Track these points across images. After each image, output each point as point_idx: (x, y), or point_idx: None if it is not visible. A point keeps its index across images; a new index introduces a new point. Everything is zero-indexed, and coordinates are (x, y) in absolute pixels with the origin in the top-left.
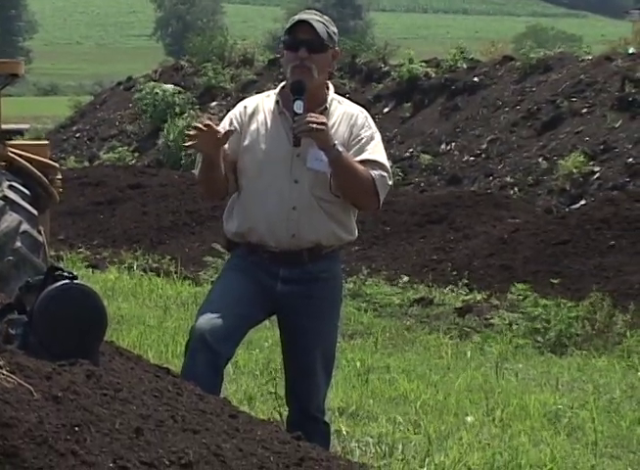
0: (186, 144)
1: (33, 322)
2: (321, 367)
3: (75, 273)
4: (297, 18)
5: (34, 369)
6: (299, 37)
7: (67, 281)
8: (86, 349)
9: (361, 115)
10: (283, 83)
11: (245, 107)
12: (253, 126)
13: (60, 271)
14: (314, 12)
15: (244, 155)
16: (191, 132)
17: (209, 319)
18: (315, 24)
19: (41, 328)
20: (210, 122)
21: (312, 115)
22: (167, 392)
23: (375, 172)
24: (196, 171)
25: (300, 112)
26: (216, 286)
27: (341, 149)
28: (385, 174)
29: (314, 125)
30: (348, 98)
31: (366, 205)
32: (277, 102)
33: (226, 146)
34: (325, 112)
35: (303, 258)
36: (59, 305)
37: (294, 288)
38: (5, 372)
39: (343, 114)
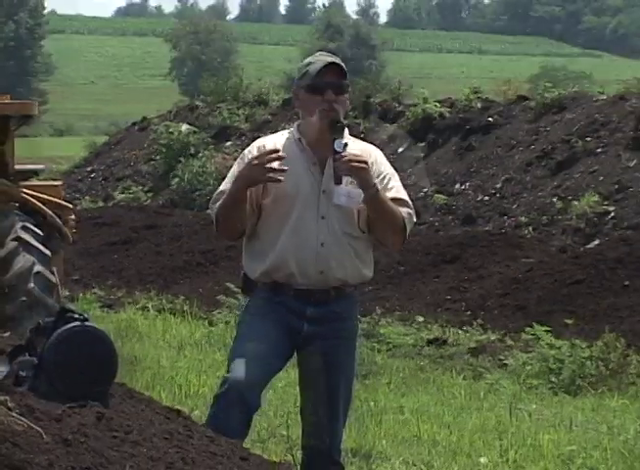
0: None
1: (44, 364)
2: (342, 408)
3: (86, 315)
4: (326, 60)
5: (44, 412)
6: (327, 80)
7: (77, 323)
8: (96, 391)
9: (378, 152)
10: (298, 122)
11: (263, 145)
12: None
13: (71, 313)
14: (329, 53)
15: (268, 194)
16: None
17: (244, 372)
18: (343, 66)
19: (51, 370)
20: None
21: (353, 154)
22: (178, 434)
23: (404, 211)
24: (213, 209)
25: (341, 150)
26: (243, 332)
27: (379, 187)
28: (411, 212)
29: (356, 164)
30: (362, 138)
31: (394, 243)
32: (299, 139)
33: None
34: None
35: (330, 296)
36: (69, 346)
37: (319, 328)
38: (15, 415)
39: (362, 152)
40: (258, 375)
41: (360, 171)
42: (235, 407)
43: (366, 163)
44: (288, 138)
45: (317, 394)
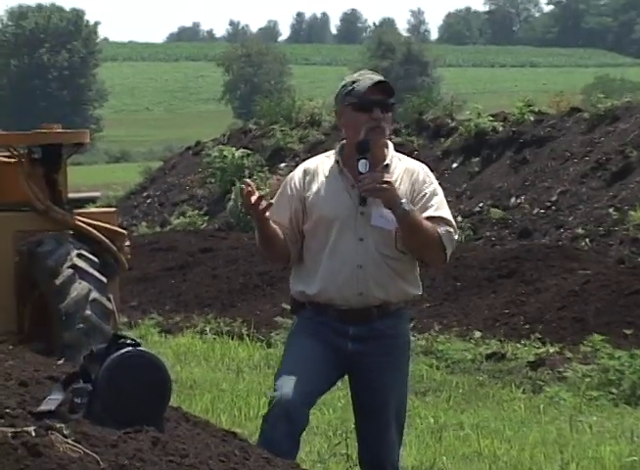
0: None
1: (98, 390)
2: (394, 425)
3: (139, 340)
4: (373, 78)
5: (100, 438)
6: (375, 98)
7: (129, 348)
8: (151, 415)
9: (422, 170)
10: (342, 142)
11: (304, 170)
12: (314, 188)
13: (123, 339)
14: (373, 71)
15: (308, 217)
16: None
17: (290, 388)
18: (390, 85)
19: (105, 396)
20: (251, 187)
21: (377, 174)
22: (234, 456)
23: (441, 229)
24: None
25: (365, 171)
26: (290, 351)
27: (407, 208)
28: (451, 230)
29: (378, 185)
30: (416, 155)
31: (433, 260)
32: (337, 161)
33: (275, 216)
34: (386, 169)
35: (372, 315)
36: (122, 372)
37: (364, 346)
38: (71, 442)
39: (405, 170)
40: (303, 392)
41: (382, 192)
42: (281, 425)
43: (389, 183)
44: (330, 159)
45: (366, 411)
